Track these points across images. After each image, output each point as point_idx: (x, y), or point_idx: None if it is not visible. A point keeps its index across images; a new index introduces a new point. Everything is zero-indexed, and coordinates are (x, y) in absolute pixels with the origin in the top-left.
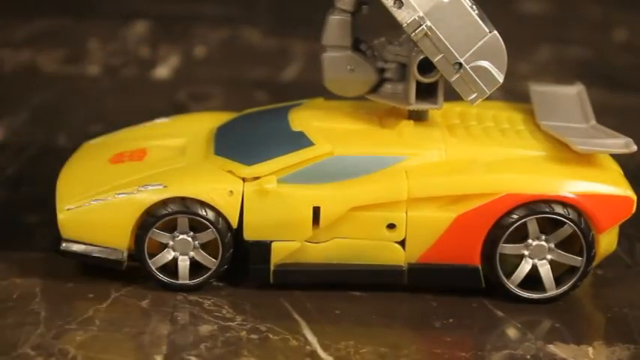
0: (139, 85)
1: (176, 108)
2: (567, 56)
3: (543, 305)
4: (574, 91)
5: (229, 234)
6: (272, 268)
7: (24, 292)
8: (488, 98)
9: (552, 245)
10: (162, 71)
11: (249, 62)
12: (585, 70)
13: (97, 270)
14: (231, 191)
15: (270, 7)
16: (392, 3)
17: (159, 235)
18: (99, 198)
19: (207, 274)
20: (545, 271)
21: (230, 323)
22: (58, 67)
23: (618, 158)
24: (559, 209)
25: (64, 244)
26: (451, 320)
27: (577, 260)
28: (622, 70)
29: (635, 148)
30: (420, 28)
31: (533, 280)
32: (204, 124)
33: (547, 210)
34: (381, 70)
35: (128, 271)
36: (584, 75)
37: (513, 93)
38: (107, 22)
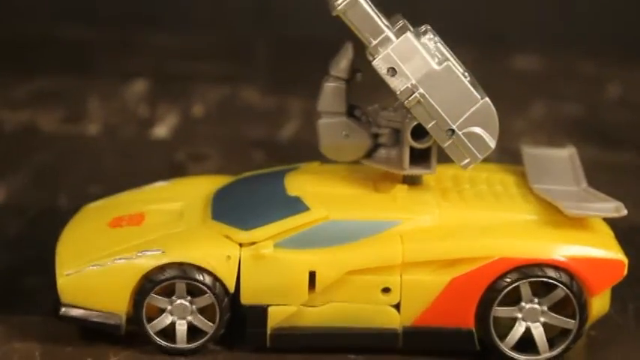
0: (137, 145)
1: (174, 168)
2: (561, 113)
3: None
4: (566, 153)
5: (226, 298)
6: (269, 332)
7: (23, 356)
8: (483, 160)
9: (545, 308)
10: (161, 130)
11: (247, 121)
12: (579, 127)
13: (96, 333)
14: (228, 256)
15: (267, 65)
16: (385, 71)
17: (157, 300)
18: (97, 263)
19: (205, 338)
20: (538, 333)
21: None
22: (58, 127)
23: (610, 219)
24: (551, 273)
25: (63, 309)
26: None
27: (570, 323)
28: (615, 127)
29: (625, 212)
30: (412, 96)
31: (527, 342)
32: (201, 188)
33: (539, 274)
34: (375, 136)
35: (127, 335)
36: (578, 132)
37: (508, 151)
38: (106, 81)
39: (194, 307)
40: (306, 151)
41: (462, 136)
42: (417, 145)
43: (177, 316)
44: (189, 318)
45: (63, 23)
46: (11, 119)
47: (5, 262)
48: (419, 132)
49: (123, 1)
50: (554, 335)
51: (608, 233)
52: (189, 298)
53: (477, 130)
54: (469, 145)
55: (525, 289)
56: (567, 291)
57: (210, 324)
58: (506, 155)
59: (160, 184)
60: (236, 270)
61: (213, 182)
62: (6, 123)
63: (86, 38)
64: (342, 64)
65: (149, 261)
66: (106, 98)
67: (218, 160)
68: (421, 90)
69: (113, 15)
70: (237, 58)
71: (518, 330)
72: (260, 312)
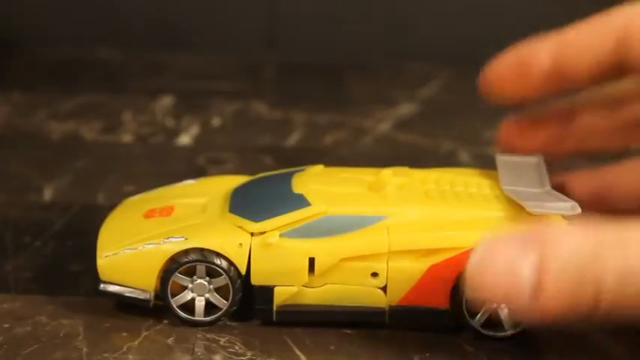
0: (165, 151)
1: (196, 171)
2: None
3: (504, 341)
4: (534, 161)
5: (239, 280)
6: (275, 308)
7: (69, 330)
8: (461, 165)
9: None
10: (185, 139)
11: (258, 130)
12: None
13: (129, 311)
14: (240, 244)
15: (274, 84)
16: None
17: (180, 279)
18: (131, 247)
19: (219, 313)
20: (505, 313)
21: (242, 357)
22: (97, 136)
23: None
24: None
25: (101, 286)
26: (427, 354)
27: None
28: None
29: (579, 210)
30: None
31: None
32: (223, 185)
33: None
34: None
35: (156, 312)
36: None
37: (481, 157)
38: (138, 97)
39: (211, 286)
40: (307, 155)
41: None
42: None
43: (197, 293)
44: (207, 295)
45: (101, 48)
46: (58, 129)
47: (53, 251)
48: None
49: (152, 28)
50: None
51: None
52: (207, 278)
53: None
54: None
55: None
56: None
57: (225, 301)
58: (481, 160)
59: (188, 182)
60: (247, 255)
61: (232, 181)
62: (53, 132)
63: (121, 60)
64: None
65: (173, 246)
66: (137, 111)
67: (233, 164)
68: None
69: (144, 40)
70: (249, 78)
71: (486, 311)
72: (267, 291)
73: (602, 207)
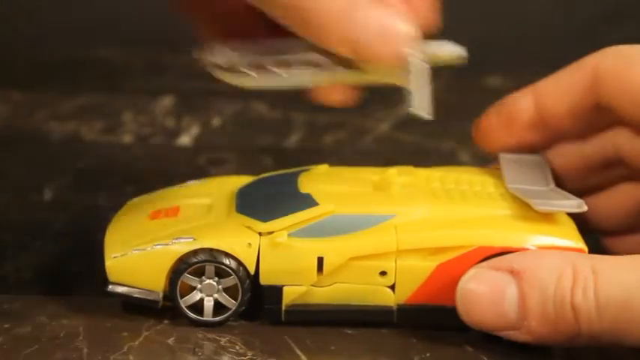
0: (165, 152)
1: (197, 171)
2: None
3: (505, 341)
4: (536, 159)
5: (248, 280)
6: (284, 308)
7: (69, 331)
8: (464, 165)
9: None
10: (185, 139)
11: (258, 131)
12: None
13: (130, 311)
14: (249, 244)
15: None
16: None
17: (189, 280)
18: (139, 248)
19: (228, 313)
20: None
21: (242, 357)
22: (98, 137)
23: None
24: None
25: (110, 287)
26: (428, 354)
27: None
28: None
29: (585, 208)
30: None
31: None
32: (228, 185)
33: None
34: None
35: (157, 312)
36: None
37: (481, 157)
38: (138, 97)
39: (220, 286)
40: (307, 155)
41: None
42: None
43: (206, 294)
44: (216, 295)
45: (102, 48)
46: (59, 130)
47: (53, 251)
48: None
49: (152, 28)
50: None
51: (571, 226)
52: (216, 278)
53: None
54: None
55: None
56: None
57: (233, 301)
58: (484, 161)
59: (193, 183)
60: (256, 255)
61: (237, 181)
62: (54, 133)
63: (121, 60)
64: None
65: (182, 247)
66: (138, 112)
67: (233, 164)
68: None
69: (144, 40)
70: None
71: None
72: (276, 291)
73: (585, 227)
